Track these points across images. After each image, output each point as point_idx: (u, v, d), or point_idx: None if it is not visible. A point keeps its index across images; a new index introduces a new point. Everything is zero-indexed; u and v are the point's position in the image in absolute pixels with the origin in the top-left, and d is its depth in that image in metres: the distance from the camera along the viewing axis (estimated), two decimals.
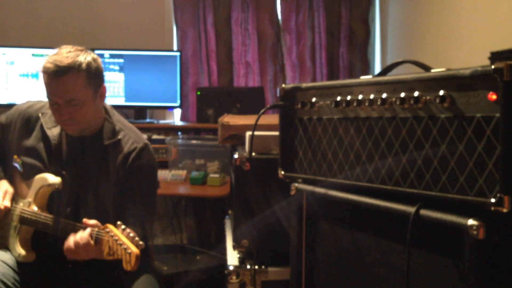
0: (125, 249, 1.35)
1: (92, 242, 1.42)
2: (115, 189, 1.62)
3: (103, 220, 1.48)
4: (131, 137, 1.69)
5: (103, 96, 1.64)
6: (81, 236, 1.43)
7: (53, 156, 1.64)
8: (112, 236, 1.39)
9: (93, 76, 1.56)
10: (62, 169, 1.64)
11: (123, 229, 1.40)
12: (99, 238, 1.42)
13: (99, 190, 1.62)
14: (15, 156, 1.69)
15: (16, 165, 1.69)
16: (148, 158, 1.68)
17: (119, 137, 1.66)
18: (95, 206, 1.60)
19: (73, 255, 1.46)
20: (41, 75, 1.55)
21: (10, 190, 1.65)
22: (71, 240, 1.45)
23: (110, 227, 1.42)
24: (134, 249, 1.34)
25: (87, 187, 1.63)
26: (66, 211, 1.61)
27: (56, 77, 1.49)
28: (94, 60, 1.58)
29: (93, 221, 1.45)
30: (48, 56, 1.53)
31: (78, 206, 1.62)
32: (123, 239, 1.37)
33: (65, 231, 1.51)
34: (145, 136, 1.80)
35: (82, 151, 1.65)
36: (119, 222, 1.42)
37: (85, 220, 1.46)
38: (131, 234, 1.38)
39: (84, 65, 1.53)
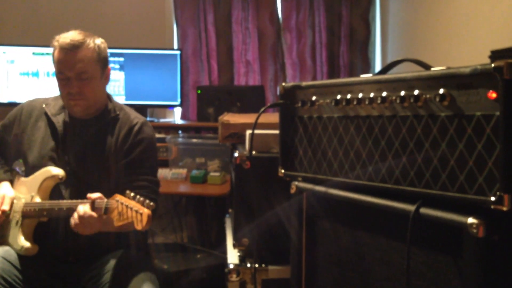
0: (136, 210, 1.37)
1: (93, 213, 1.45)
2: (118, 167, 1.66)
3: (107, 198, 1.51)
4: (132, 113, 1.77)
5: (107, 77, 1.74)
6: (83, 209, 1.46)
7: (59, 142, 1.68)
8: (122, 203, 1.42)
9: (102, 55, 1.68)
10: (66, 153, 1.67)
11: (133, 196, 1.42)
12: (108, 207, 1.45)
13: (101, 170, 1.65)
14: (20, 160, 1.71)
15: (17, 169, 1.71)
16: (149, 132, 1.75)
17: (120, 114, 1.74)
18: (97, 188, 1.61)
19: (81, 229, 1.49)
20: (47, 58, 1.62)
21: (10, 194, 1.65)
22: (75, 214, 1.48)
23: (119, 196, 1.45)
24: (146, 210, 1.36)
25: (88, 168, 1.66)
26: (70, 195, 1.63)
27: (71, 50, 1.60)
28: (102, 42, 1.70)
29: (96, 194, 1.48)
30: (59, 36, 1.63)
31: (80, 189, 1.62)
32: (133, 203, 1.40)
33: (72, 210, 1.52)
34: None
35: (86, 132, 1.69)
36: (128, 191, 1.44)
37: (89, 195, 1.49)
38: (141, 199, 1.40)
39: (93, 44, 1.65)
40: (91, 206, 1.47)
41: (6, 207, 1.61)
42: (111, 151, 1.67)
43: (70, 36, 1.62)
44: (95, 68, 1.64)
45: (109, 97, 1.78)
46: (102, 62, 1.68)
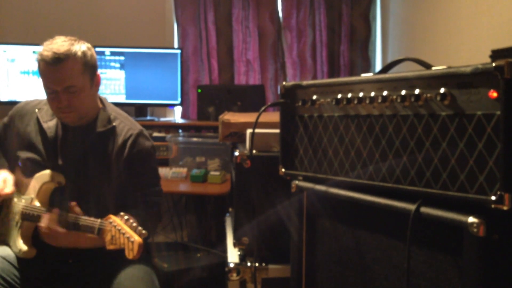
0: (128, 238, 1.36)
1: (60, 229, 1.47)
2: (115, 177, 1.64)
3: (104, 210, 1.49)
4: (127, 124, 1.71)
5: (98, 84, 1.67)
6: (49, 218, 1.49)
7: (50, 149, 1.66)
8: (115, 226, 1.41)
9: (89, 64, 1.60)
10: (59, 161, 1.65)
11: (126, 220, 1.41)
12: (101, 228, 1.44)
13: (99, 179, 1.63)
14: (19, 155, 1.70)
15: (20, 164, 1.70)
16: (144, 144, 1.70)
17: (114, 124, 1.68)
18: (95, 197, 1.61)
19: (50, 240, 1.51)
20: (37, 64, 1.58)
21: (10, 177, 1.65)
22: (42, 222, 1.51)
23: (113, 217, 1.43)
24: (137, 238, 1.35)
25: (86, 177, 1.64)
26: (68, 205, 1.61)
27: (54, 64, 1.52)
28: (89, 48, 1.61)
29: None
30: (44, 45, 1.56)
31: (79, 198, 1.62)
32: (126, 228, 1.38)
33: (67, 223, 1.51)
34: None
35: (79, 141, 1.66)
36: (122, 213, 1.43)
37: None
38: (134, 224, 1.39)
39: (80, 53, 1.56)
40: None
41: (9, 189, 1.61)
42: (108, 160, 1.64)
43: (55, 47, 1.52)
44: (83, 79, 1.56)
45: (102, 102, 1.73)
46: (90, 71, 1.60)
